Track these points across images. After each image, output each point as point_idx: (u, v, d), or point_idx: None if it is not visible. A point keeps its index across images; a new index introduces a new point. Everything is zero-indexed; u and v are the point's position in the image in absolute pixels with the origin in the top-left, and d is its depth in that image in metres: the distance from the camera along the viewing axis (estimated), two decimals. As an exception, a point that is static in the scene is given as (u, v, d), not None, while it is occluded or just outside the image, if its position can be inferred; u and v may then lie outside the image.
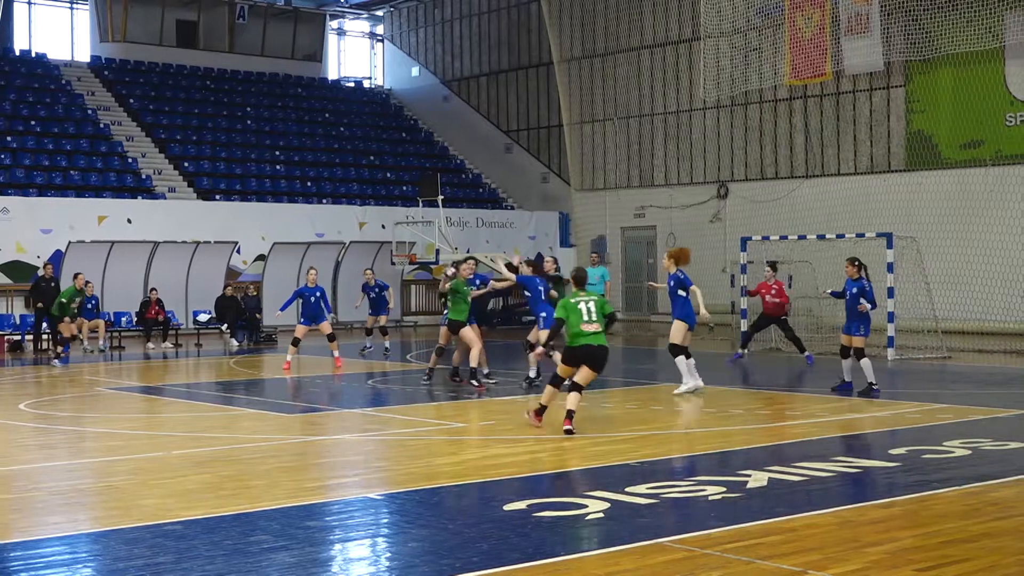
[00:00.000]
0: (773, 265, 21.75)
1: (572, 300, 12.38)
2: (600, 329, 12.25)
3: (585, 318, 12.16)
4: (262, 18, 43.28)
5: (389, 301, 23.57)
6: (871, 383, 15.43)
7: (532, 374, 16.69)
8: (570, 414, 12.12)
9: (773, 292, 21.16)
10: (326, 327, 20.86)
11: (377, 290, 23.30)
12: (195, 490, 9.42)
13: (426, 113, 44.21)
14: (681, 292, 15.87)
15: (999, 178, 27.83)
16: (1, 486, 9.74)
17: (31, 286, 25.44)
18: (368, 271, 24.05)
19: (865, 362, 15.51)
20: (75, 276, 22.83)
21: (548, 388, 12.56)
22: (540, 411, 12.54)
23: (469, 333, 16.78)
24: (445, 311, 17.10)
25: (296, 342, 20.63)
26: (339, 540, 7.83)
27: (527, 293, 16.61)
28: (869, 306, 15.54)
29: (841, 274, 16.56)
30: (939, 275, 24.70)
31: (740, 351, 21.64)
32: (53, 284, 24.15)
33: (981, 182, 28.06)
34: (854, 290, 15.67)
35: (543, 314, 16.16)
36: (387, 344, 23.65)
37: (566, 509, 8.39)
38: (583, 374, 12.22)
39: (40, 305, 23.68)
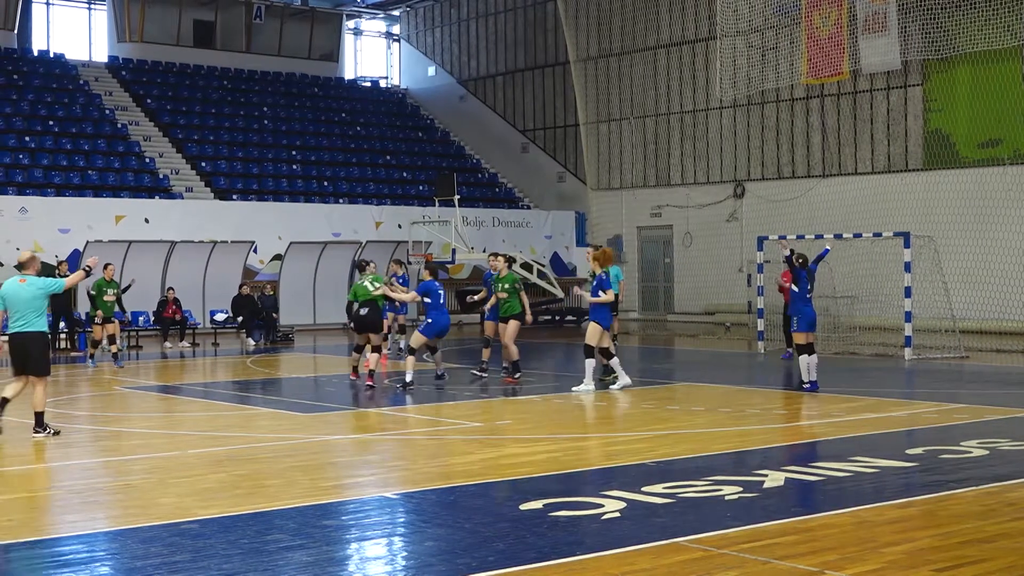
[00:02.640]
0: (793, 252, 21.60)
1: (362, 282, 16.96)
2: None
3: (369, 286, 16.80)
4: (279, 18, 43.37)
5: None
6: (802, 380, 16.05)
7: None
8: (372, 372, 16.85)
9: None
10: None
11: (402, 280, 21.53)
12: (212, 489, 9.45)
13: (442, 113, 44.23)
14: (601, 294, 16.01)
15: (1017, 177, 27.69)
16: (20, 484, 9.80)
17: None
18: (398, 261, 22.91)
19: (803, 359, 15.97)
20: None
21: (353, 355, 17.43)
22: (371, 374, 16.79)
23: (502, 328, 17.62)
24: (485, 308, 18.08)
25: None
26: (355, 539, 7.85)
27: (427, 300, 17.02)
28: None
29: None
30: (957, 274, 24.60)
31: (789, 350, 21.48)
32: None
33: (999, 181, 27.93)
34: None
35: (429, 320, 17.00)
36: (402, 343, 21.93)
37: (582, 508, 8.39)
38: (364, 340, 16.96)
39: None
